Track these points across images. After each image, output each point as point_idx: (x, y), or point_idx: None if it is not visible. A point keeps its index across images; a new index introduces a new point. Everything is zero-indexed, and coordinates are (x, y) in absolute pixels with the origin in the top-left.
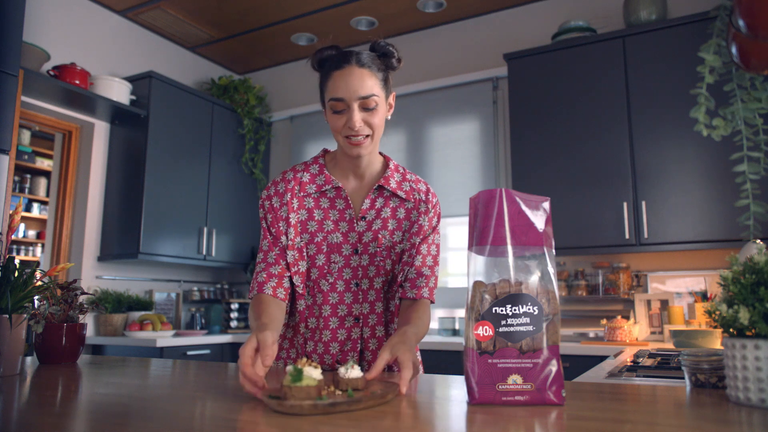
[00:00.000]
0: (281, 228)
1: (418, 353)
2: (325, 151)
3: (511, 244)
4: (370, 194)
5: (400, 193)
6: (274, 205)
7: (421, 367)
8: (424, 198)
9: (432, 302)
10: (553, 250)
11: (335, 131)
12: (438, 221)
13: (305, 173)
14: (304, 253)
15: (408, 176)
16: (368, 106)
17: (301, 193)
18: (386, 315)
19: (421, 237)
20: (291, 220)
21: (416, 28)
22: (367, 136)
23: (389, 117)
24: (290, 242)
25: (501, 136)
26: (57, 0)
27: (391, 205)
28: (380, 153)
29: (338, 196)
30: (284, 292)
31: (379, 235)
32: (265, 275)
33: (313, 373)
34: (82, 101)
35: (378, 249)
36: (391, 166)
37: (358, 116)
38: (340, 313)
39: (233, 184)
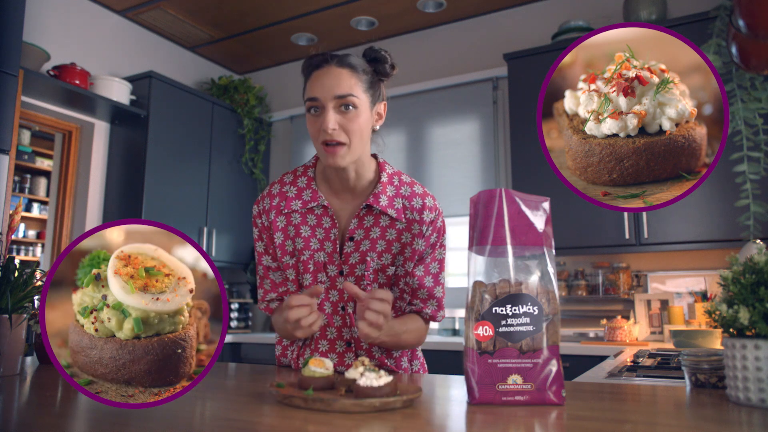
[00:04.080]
0: (276, 246)
1: (420, 353)
2: (317, 158)
3: (511, 244)
4: (359, 213)
5: (390, 212)
6: (264, 224)
7: (422, 368)
8: (417, 218)
9: (436, 320)
10: (553, 250)
11: (313, 137)
12: (438, 238)
13: (292, 187)
14: (299, 269)
15: (402, 190)
16: (345, 105)
17: (286, 210)
18: None
19: (416, 260)
20: (277, 240)
21: (416, 28)
22: (343, 144)
23: (377, 128)
24: (281, 263)
25: (501, 136)
26: (57, 0)
27: (381, 224)
28: (375, 158)
29: (325, 214)
30: None
31: (368, 258)
32: (275, 295)
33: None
34: (82, 101)
35: (366, 272)
36: (384, 178)
37: (332, 116)
38: (329, 336)
39: (233, 184)
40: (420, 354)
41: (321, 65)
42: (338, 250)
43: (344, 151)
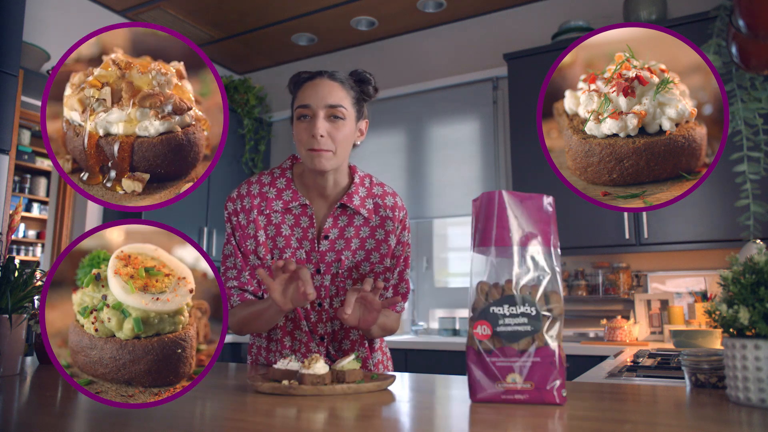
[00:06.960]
0: (249, 246)
1: (387, 350)
2: (293, 161)
3: (512, 244)
4: (333, 212)
5: (363, 211)
6: (242, 222)
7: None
8: (390, 215)
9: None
10: (558, 250)
11: (299, 142)
12: (408, 233)
13: (272, 188)
14: None
15: (374, 190)
16: (335, 115)
17: (267, 210)
18: (352, 333)
19: (391, 256)
20: (260, 238)
21: (416, 28)
22: (330, 150)
23: (358, 143)
24: (260, 261)
25: (501, 136)
26: (57, 0)
27: (355, 224)
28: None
29: (303, 214)
30: None
31: (342, 257)
32: (238, 295)
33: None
34: None
35: (340, 270)
36: (356, 179)
37: (322, 123)
38: (304, 329)
39: (233, 184)
40: (387, 350)
41: (313, 77)
42: (317, 248)
43: (329, 156)
